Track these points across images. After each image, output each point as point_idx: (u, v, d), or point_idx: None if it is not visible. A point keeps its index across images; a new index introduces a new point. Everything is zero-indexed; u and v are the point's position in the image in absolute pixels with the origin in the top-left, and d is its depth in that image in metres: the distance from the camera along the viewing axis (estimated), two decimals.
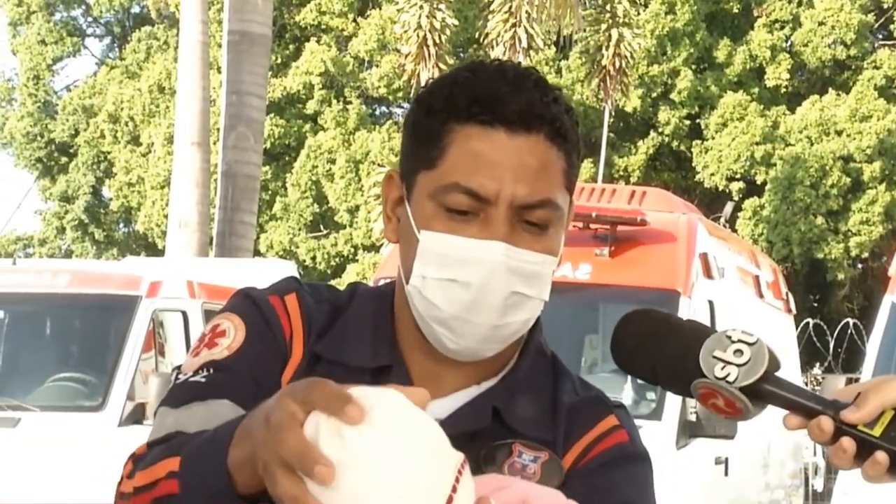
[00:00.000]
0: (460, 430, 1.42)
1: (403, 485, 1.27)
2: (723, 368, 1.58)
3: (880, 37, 33.07)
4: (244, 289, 1.81)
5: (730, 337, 1.60)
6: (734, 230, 25.72)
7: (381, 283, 1.86)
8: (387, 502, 1.26)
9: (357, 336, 1.76)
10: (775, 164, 29.15)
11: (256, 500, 1.45)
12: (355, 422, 1.28)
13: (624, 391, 8.49)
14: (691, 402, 8.26)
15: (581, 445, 1.74)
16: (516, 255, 1.67)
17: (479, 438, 1.69)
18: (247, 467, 1.42)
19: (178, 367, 1.75)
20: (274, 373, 1.73)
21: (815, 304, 31.51)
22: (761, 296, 10.89)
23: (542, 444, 1.71)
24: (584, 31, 24.26)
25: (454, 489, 1.29)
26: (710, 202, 28.62)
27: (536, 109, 1.68)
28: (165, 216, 24.47)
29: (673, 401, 8.38)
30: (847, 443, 1.54)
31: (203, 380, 1.70)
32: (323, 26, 32.90)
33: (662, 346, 1.64)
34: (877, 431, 1.54)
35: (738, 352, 1.58)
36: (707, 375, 1.58)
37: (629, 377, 8.39)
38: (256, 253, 24.08)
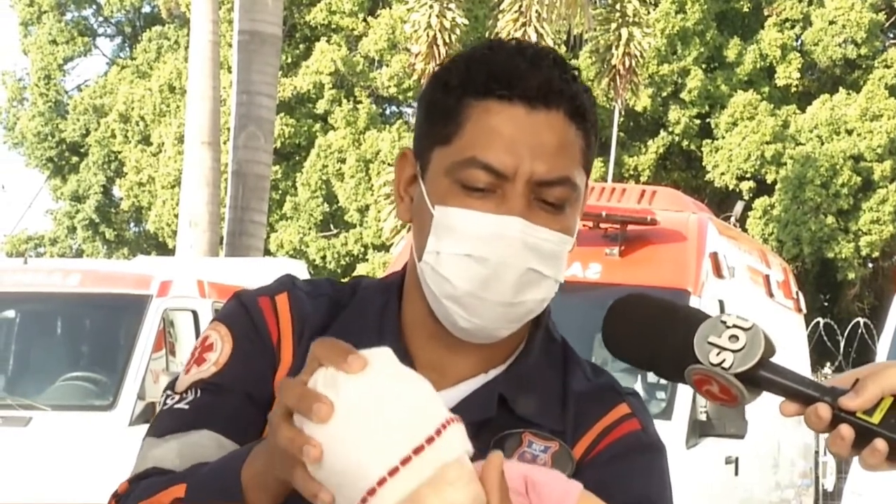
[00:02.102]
0: (467, 419, 1.40)
1: (386, 426, 1.32)
2: (718, 354, 1.53)
3: (891, 36, 33.00)
4: (238, 291, 1.77)
5: (725, 322, 1.55)
6: (744, 229, 25.68)
7: None
8: (367, 442, 1.32)
9: (359, 332, 1.70)
10: (786, 164, 29.10)
11: None
12: (354, 370, 1.33)
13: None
14: (701, 401, 8.25)
15: (592, 435, 1.69)
16: (533, 231, 1.62)
17: (488, 428, 1.65)
18: (261, 478, 1.42)
19: (172, 385, 1.71)
20: (265, 380, 1.69)
21: (826, 304, 31.44)
22: (771, 295, 10.86)
23: (552, 434, 1.67)
24: (595, 30, 24.22)
25: (438, 433, 1.33)
26: (720, 201, 28.58)
27: (556, 86, 1.64)
28: (176, 216, 24.50)
29: (683, 400, 8.36)
30: (845, 430, 1.50)
31: (187, 406, 1.67)
32: (333, 26, 32.91)
33: (656, 332, 1.60)
34: (875, 418, 1.49)
35: (734, 337, 1.53)
36: (702, 361, 1.53)
37: (639, 375, 8.38)
38: (267, 252, 24.09)
